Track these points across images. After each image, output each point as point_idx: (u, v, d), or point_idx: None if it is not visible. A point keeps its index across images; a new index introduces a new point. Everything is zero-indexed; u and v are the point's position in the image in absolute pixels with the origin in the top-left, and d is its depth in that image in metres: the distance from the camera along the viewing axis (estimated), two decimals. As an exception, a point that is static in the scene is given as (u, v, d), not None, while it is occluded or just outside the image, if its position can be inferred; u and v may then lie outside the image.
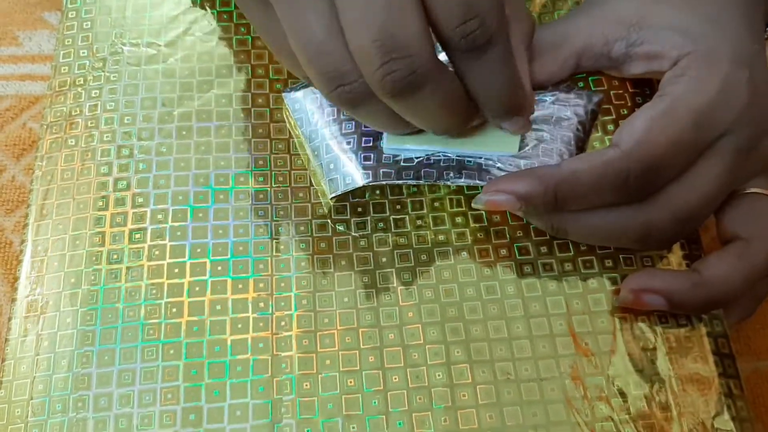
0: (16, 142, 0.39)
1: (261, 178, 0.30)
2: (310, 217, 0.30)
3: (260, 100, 0.32)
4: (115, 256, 0.29)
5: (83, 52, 0.33)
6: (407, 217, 0.30)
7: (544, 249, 0.29)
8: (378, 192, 0.30)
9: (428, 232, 0.29)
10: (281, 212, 0.30)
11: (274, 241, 0.29)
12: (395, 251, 0.29)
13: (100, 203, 0.30)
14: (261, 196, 0.30)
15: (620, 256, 0.29)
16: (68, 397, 0.26)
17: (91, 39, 0.34)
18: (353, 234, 0.29)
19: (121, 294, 0.28)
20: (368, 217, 0.30)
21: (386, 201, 0.30)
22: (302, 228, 0.29)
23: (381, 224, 0.30)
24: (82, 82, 0.32)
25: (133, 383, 0.26)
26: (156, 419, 0.26)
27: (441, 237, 0.29)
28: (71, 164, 0.31)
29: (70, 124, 0.31)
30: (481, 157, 0.28)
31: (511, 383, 0.27)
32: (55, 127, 0.32)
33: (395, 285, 0.28)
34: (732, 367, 0.27)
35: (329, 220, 0.30)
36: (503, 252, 0.29)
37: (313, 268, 0.29)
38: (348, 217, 0.30)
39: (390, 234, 0.29)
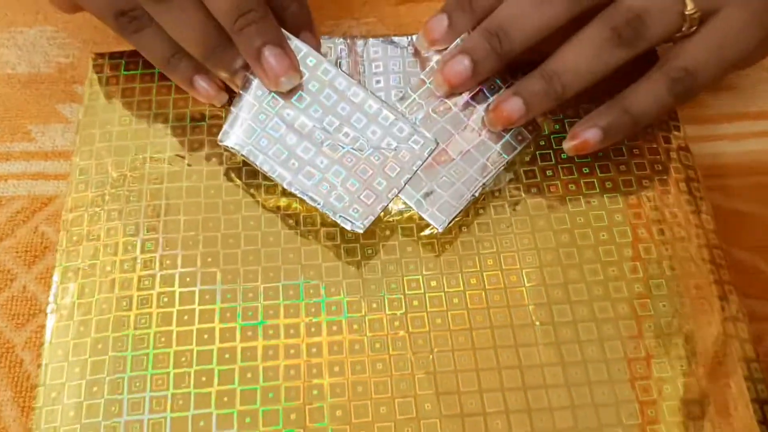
0: (28, 248, 0.37)
1: (292, 310, 0.28)
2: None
3: (290, 221, 0.30)
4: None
5: (101, 169, 0.31)
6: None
7: None
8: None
9: None
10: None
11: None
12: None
13: (120, 344, 0.28)
14: (292, 331, 0.28)
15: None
16: None
17: (109, 153, 0.32)
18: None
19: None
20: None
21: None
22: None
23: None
24: (101, 202, 0.31)
25: None
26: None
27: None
28: (89, 298, 0.29)
29: (89, 250, 0.30)
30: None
31: None
32: (72, 253, 0.30)
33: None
34: None
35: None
36: None
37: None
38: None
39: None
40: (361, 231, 0.29)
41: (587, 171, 0.32)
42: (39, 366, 0.28)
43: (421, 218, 0.30)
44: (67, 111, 0.41)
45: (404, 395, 0.27)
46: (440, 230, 0.30)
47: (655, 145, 0.33)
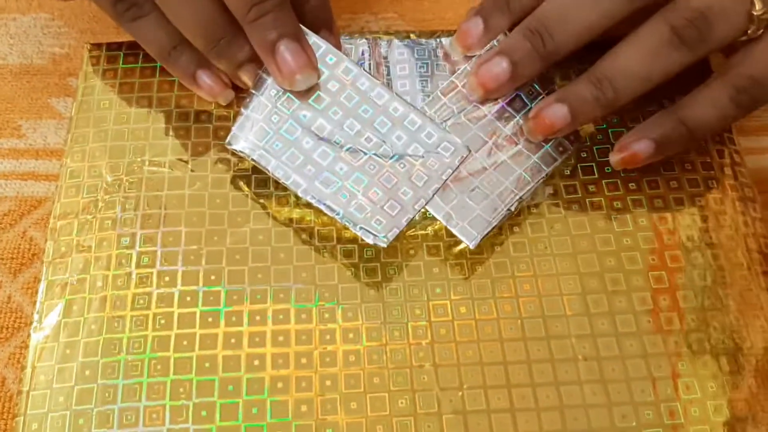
0: (14, 255, 0.34)
1: (304, 336, 0.25)
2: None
3: (304, 236, 0.27)
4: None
5: (94, 172, 0.28)
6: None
7: None
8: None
9: None
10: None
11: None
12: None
13: (110, 371, 0.24)
14: (304, 360, 0.25)
15: None
16: None
17: (103, 156, 0.29)
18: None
19: None
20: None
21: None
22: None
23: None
24: (93, 210, 0.27)
25: None
26: None
27: None
28: (77, 317, 0.25)
29: (77, 265, 0.26)
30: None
31: None
32: (60, 266, 0.26)
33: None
34: None
35: None
36: None
37: None
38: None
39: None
40: (384, 245, 0.26)
41: (634, 187, 0.29)
42: (18, 393, 0.25)
43: (450, 234, 0.27)
44: (61, 106, 0.38)
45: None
46: (471, 247, 0.27)
47: (708, 159, 0.30)
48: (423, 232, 0.28)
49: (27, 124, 0.38)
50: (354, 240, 0.27)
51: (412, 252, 0.27)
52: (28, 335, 0.30)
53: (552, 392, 0.25)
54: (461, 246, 0.27)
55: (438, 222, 0.27)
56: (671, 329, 0.26)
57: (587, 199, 0.29)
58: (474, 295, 0.26)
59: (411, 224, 0.27)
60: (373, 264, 0.27)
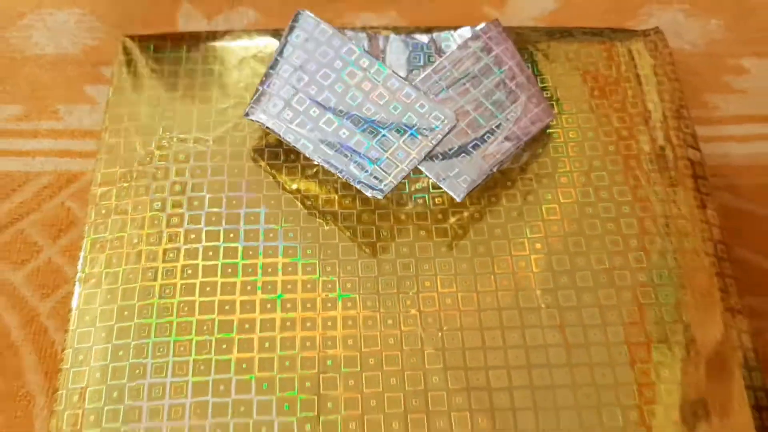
0: (54, 222, 0.39)
1: (309, 285, 0.30)
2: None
3: (308, 203, 0.32)
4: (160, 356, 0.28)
5: (129, 147, 0.33)
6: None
7: None
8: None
9: None
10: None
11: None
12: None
13: (145, 312, 0.29)
14: (309, 305, 0.29)
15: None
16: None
17: (136, 133, 0.33)
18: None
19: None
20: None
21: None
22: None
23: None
24: (129, 178, 0.32)
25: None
26: None
27: None
28: (116, 268, 0.30)
29: (115, 231, 0.31)
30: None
31: None
32: (101, 226, 0.31)
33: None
34: None
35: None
36: None
37: None
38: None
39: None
40: (380, 197, 0.30)
41: (598, 164, 0.33)
42: (66, 331, 0.30)
43: (435, 204, 0.31)
44: (94, 92, 0.43)
45: (414, 369, 0.28)
46: (459, 200, 0.31)
47: (664, 142, 0.34)
48: (412, 205, 0.32)
49: (64, 108, 0.43)
50: (352, 206, 0.32)
51: (403, 218, 0.32)
52: (68, 291, 0.35)
53: (518, 334, 0.29)
54: (445, 217, 0.32)
55: (427, 183, 0.32)
56: (623, 285, 0.30)
57: (556, 174, 0.33)
58: (455, 255, 0.31)
59: (401, 196, 0.32)
60: (368, 227, 0.31)
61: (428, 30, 0.36)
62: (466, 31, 0.35)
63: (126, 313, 0.29)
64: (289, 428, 0.26)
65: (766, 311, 0.37)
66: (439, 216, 0.32)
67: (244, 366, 0.28)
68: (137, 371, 0.27)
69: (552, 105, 0.34)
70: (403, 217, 0.32)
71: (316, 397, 0.27)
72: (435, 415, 0.27)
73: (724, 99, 0.44)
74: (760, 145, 0.43)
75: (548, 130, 0.34)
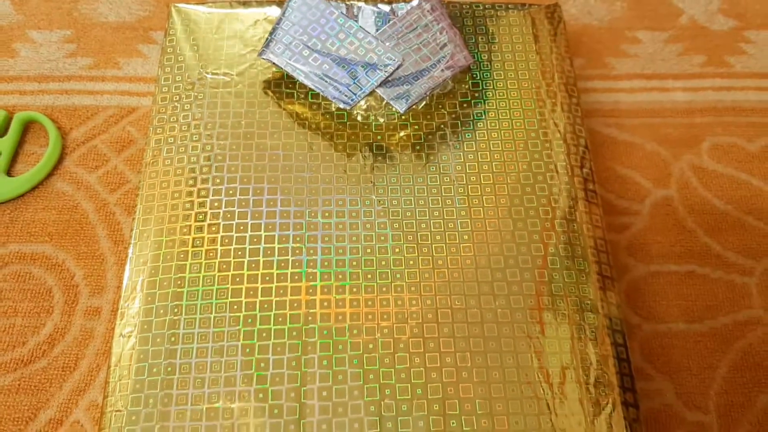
0: (118, 141, 0.53)
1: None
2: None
3: (300, 120, 0.46)
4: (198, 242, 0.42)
5: (178, 78, 0.47)
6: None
7: None
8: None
9: None
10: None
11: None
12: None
13: (190, 190, 0.43)
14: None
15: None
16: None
17: (183, 68, 0.47)
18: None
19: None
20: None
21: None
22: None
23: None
24: (178, 99, 0.46)
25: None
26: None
27: None
28: (170, 155, 0.44)
29: (170, 128, 0.45)
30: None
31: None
32: (159, 129, 0.45)
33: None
34: None
35: None
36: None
37: None
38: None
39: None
40: (348, 107, 0.43)
41: (505, 104, 0.47)
42: (132, 219, 0.44)
43: (389, 119, 0.46)
44: (145, 50, 0.57)
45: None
46: (402, 112, 0.44)
47: (551, 78, 0.48)
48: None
49: (123, 61, 0.57)
50: (330, 120, 0.46)
51: (365, 128, 0.46)
52: (128, 188, 0.48)
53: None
54: (405, 135, 0.46)
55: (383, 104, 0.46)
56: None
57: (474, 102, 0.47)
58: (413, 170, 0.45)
59: (366, 117, 0.46)
60: (341, 134, 0.45)
61: (390, 2, 0.50)
62: (415, 2, 0.49)
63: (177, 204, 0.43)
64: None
65: (632, 211, 0.51)
66: (401, 132, 0.45)
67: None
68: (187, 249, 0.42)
69: (473, 55, 0.48)
70: (365, 127, 0.46)
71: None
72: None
73: (619, 61, 0.58)
74: (643, 95, 0.56)
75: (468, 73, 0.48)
